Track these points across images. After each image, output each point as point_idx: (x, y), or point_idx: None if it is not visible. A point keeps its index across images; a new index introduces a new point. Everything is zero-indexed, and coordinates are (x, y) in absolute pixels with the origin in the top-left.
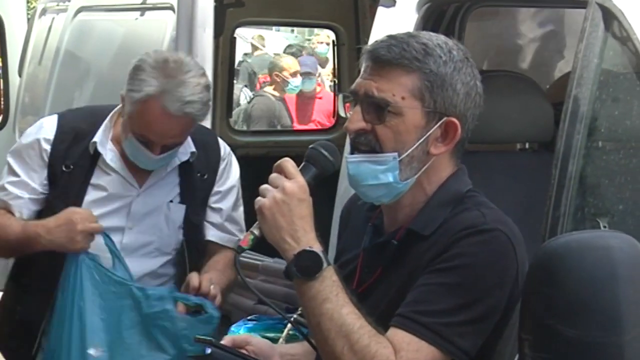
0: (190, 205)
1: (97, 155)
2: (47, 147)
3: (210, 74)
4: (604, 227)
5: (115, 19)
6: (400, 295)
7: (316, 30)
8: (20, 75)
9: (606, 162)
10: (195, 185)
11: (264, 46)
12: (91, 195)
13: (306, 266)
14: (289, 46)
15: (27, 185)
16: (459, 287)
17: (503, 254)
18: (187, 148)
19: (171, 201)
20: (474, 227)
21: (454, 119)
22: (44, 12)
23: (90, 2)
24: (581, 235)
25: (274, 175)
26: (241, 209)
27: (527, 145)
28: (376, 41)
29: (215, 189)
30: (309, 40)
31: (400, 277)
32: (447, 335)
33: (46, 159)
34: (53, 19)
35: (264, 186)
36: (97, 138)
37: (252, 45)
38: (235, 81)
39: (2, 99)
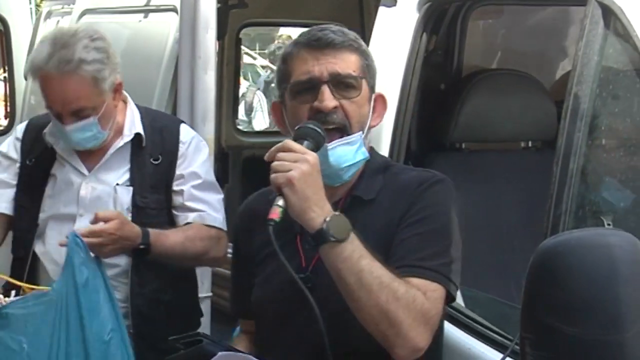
0: (137, 187)
1: (54, 149)
2: (18, 144)
3: (213, 74)
4: (608, 224)
5: (119, 21)
6: None
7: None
8: (26, 79)
9: (607, 159)
10: (146, 169)
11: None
12: (49, 187)
13: (339, 229)
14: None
15: (6, 183)
16: (437, 232)
17: (453, 198)
18: (132, 129)
19: (118, 184)
20: (429, 180)
21: (382, 94)
22: (49, 15)
23: (95, 5)
24: (581, 233)
25: (286, 154)
26: (213, 191)
27: (530, 144)
28: (306, 34)
29: (177, 172)
30: None
31: None
32: (446, 273)
33: (16, 156)
34: (58, 21)
35: (279, 162)
36: (47, 129)
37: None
38: (251, 85)
39: (8, 102)
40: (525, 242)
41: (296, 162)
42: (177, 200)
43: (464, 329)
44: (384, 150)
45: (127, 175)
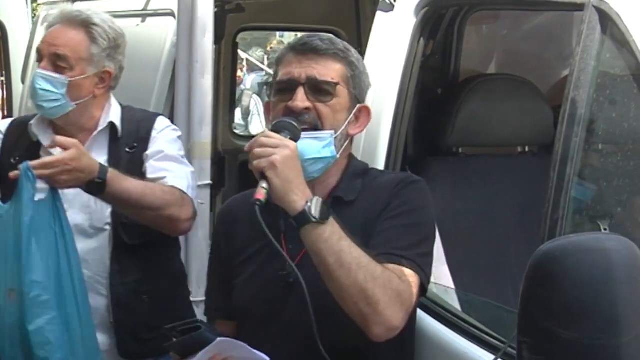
0: None
1: (39, 143)
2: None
3: (211, 78)
4: (605, 229)
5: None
6: None
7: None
8: (23, 82)
9: (604, 164)
10: (122, 159)
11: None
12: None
13: (320, 211)
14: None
15: None
16: (413, 226)
17: (428, 197)
18: (106, 119)
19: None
20: (406, 180)
21: (368, 106)
22: (46, 19)
23: (92, 9)
24: (578, 237)
25: (268, 140)
26: (172, 163)
27: (527, 148)
28: (296, 40)
29: (145, 153)
30: None
31: None
32: (420, 263)
33: None
34: None
35: (261, 149)
36: (33, 121)
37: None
38: (248, 90)
39: (5, 105)
40: (522, 246)
41: (278, 148)
42: (145, 167)
43: (459, 333)
44: (381, 154)
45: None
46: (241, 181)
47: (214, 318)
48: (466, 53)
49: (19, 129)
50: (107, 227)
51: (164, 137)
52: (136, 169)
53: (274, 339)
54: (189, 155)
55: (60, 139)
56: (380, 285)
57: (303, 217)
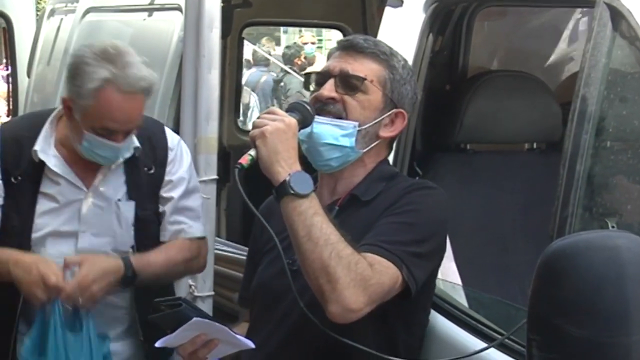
0: (138, 200)
1: (42, 163)
2: None
3: (218, 73)
4: (612, 227)
5: (124, 19)
6: None
7: (303, 30)
8: (28, 76)
9: (614, 161)
10: (142, 180)
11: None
12: (42, 204)
13: (301, 185)
14: (288, 47)
15: None
16: (411, 225)
17: (443, 207)
18: (130, 144)
19: (119, 199)
20: (420, 184)
21: (403, 111)
22: (52, 13)
23: (99, 3)
24: (589, 235)
25: (268, 115)
26: (196, 195)
27: (534, 145)
28: (348, 37)
29: (166, 178)
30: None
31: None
32: (406, 260)
33: None
34: (61, 19)
35: (260, 120)
36: (37, 146)
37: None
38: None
39: (10, 99)
40: (529, 244)
41: (274, 121)
42: (164, 208)
43: (467, 329)
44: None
45: (124, 188)
46: (246, 176)
47: (242, 307)
48: (474, 49)
49: (16, 146)
50: (131, 251)
51: (182, 159)
52: (156, 188)
53: (270, 325)
54: (195, 150)
55: (68, 260)
56: (344, 265)
57: (282, 188)
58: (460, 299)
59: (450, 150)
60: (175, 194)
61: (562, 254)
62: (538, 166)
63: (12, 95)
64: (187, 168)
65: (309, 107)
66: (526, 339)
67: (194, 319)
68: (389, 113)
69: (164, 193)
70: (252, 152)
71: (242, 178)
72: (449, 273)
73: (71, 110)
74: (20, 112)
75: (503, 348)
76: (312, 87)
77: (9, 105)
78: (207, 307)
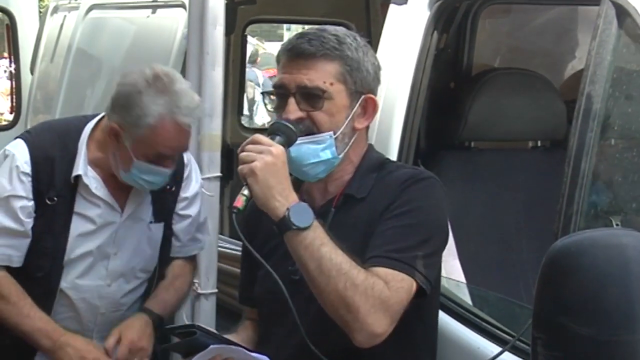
0: (166, 221)
1: (76, 182)
2: (27, 180)
3: (222, 71)
4: (617, 225)
5: (127, 16)
6: (349, 248)
7: (307, 28)
8: (32, 73)
9: (619, 159)
10: (166, 199)
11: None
12: (77, 225)
13: (301, 218)
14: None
15: (18, 232)
16: (416, 226)
17: (440, 197)
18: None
19: (151, 222)
20: (414, 177)
21: (372, 95)
22: (55, 10)
23: (102, 0)
24: (594, 233)
25: (253, 147)
26: (203, 212)
27: (539, 143)
28: (290, 40)
29: (182, 195)
30: None
31: (344, 237)
32: (417, 266)
33: (25, 193)
34: (65, 16)
35: (245, 153)
36: (80, 170)
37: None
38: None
39: (14, 97)
40: (534, 242)
41: (261, 154)
42: (178, 225)
43: (472, 328)
44: (394, 148)
45: (150, 208)
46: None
47: (244, 305)
48: (479, 47)
49: (49, 167)
50: (152, 270)
51: (197, 176)
52: (173, 205)
53: (279, 336)
54: (199, 148)
55: (109, 346)
56: (361, 293)
57: (283, 224)
58: (464, 296)
59: (455, 148)
60: (192, 211)
61: (566, 252)
62: (542, 164)
63: (16, 93)
64: (199, 183)
65: (291, 126)
66: (531, 337)
67: (211, 346)
68: (357, 104)
69: (180, 210)
70: (245, 191)
71: (240, 220)
72: (452, 271)
73: (119, 137)
74: (24, 110)
75: (511, 348)
76: (269, 107)
77: (12, 101)
78: (210, 304)
